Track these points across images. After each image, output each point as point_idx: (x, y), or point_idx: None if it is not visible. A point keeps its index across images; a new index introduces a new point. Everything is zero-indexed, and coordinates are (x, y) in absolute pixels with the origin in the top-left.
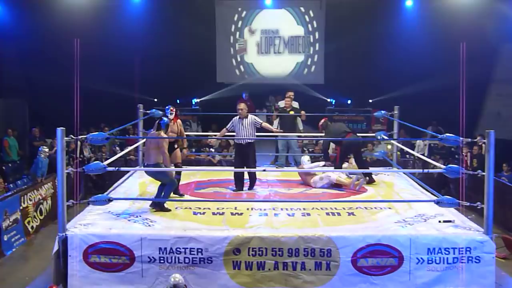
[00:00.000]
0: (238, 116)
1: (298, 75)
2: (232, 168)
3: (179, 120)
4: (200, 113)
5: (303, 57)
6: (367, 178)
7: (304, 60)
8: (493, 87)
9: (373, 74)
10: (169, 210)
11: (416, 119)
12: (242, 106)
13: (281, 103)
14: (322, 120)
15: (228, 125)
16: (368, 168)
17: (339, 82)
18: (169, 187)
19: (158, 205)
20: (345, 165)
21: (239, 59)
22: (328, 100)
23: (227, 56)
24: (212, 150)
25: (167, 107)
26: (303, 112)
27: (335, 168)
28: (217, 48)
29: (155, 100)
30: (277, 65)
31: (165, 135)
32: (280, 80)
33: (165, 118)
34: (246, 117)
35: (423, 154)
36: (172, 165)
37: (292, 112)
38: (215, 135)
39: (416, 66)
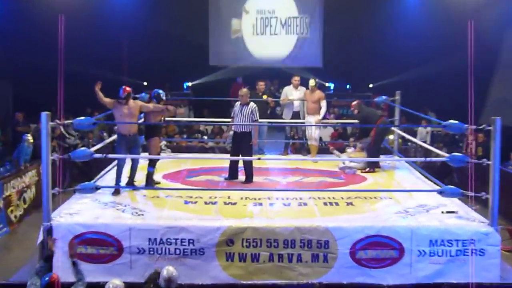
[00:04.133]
0: (239, 102)
1: (295, 58)
2: (225, 155)
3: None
4: (191, 97)
5: (300, 39)
6: (367, 168)
7: (302, 42)
8: (499, 73)
9: (373, 57)
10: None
11: (418, 105)
12: (243, 92)
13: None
14: (355, 102)
15: (232, 112)
16: (379, 157)
17: (338, 66)
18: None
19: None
20: (350, 149)
21: (233, 41)
22: (326, 84)
23: (220, 37)
24: (205, 137)
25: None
26: (270, 98)
27: (370, 152)
28: (210, 29)
29: (145, 83)
30: (273, 47)
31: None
32: (276, 63)
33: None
34: (247, 104)
35: (425, 142)
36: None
37: (265, 97)
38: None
39: (419, 49)
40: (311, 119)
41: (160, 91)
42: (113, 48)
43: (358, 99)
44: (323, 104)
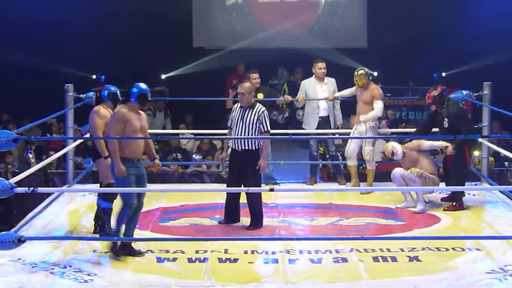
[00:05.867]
0: (239, 104)
1: (325, 34)
2: (220, 186)
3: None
4: (167, 97)
5: (330, 3)
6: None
7: (334, 9)
8: None
9: (445, 33)
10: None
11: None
12: (245, 87)
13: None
14: (436, 92)
15: (229, 119)
16: (464, 184)
17: (391, 47)
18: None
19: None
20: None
21: (229, 9)
22: (374, 73)
23: (209, 5)
24: (197, 157)
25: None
26: (288, 96)
27: (458, 176)
28: None
29: (94, 77)
30: (291, 18)
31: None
32: (296, 42)
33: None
34: (252, 107)
35: None
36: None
37: (260, 96)
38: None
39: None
40: (362, 128)
41: (112, 88)
42: (47, 25)
43: (440, 86)
44: (378, 105)
